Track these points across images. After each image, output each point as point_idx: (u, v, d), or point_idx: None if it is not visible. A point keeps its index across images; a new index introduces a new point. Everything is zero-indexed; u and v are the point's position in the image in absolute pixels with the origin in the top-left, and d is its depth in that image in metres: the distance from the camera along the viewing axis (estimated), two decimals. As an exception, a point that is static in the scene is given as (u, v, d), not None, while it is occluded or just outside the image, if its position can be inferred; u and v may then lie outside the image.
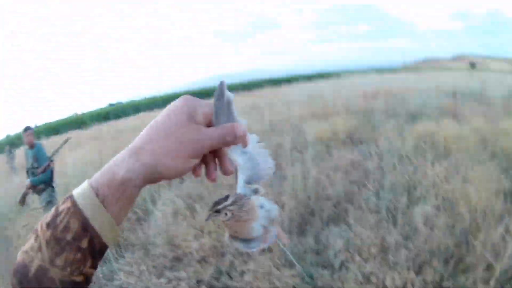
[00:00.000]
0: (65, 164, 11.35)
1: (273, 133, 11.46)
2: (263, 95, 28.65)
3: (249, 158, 0.89)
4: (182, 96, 0.78)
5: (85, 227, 0.67)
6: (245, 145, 0.84)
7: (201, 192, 7.74)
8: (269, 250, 5.19)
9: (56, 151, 7.04)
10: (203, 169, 0.84)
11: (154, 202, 7.66)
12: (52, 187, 6.94)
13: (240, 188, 0.88)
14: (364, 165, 7.61)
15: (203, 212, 6.54)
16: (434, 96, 15.24)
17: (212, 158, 0.83)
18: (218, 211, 0.83)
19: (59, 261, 0.65)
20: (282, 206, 6.02)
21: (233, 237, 0.89)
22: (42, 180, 6.83)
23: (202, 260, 5.51)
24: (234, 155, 0.85)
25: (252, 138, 0.89)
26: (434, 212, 5.22)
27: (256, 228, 0.86)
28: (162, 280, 5.25)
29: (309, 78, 44.76)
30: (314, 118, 12.70)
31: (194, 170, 0.80)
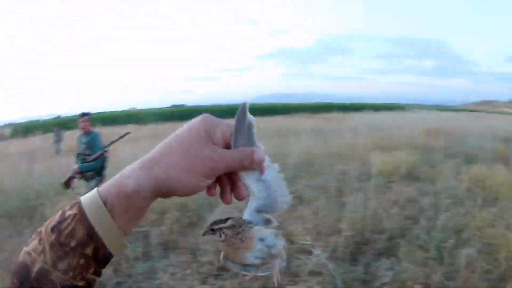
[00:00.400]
0: (118, 156, 11.31)
1: (339, 159, 11.27)
2: (330, 119, 28.07)
3: (265, 187, 0.87)
4: (202, 114, 0.77)
5: (91, 235, 0.67)
6: (262, 172, 0.83)
7: None
8: (319, 273, 5.11)
9: (113, 142, 6.95)
10: (218, 190, 0.83)
11: (210, 209, 7.54)
12: (102, 176, 6.89)
13: (248, 214, 0.88)
14: (420, 202, 7.43)
15: None
16: (489, 140, 14.75)
17: (227, 180, 0.82)
18: (213, 230, 0.85)
19: (61, 265, 0.66)
20: (338, 232, 6.01)
21: (227, 257, 0.89)
22: (92, 168, 6.74)
23: None
24: (249, 181, 0.83)
25: (272, 168, 0.89)
26: (476, 255, 5.14)
27: (248, 257, 0.86)
28: (206, 286, 5.24)
29: (375, 108, 44.08)
30: (379, 149, 12.48)
31: (209, 190, 0.79)
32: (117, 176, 0.71)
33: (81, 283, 0.67)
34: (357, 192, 7.65)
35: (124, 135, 6.96)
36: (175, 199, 7.99)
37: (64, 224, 0.67)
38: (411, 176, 9.66)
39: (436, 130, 17.12)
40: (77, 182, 7.08)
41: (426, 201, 7.30)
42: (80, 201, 0.70)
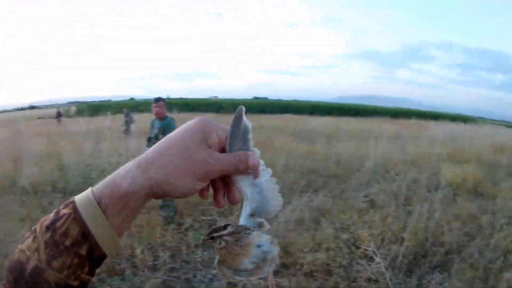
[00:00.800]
0: None
1: (412, 167, 10.97)
2: (409, 126, 27.66)
3: (258, 191, 0.84)
4: (198, 117, 0.75)
5: (85, 235, 0.65)
6: (256, 176, 0.81)
7: (331, 208, 7.49)
8: (376, 281, 5.04)
9: None
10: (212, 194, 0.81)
11: (285, 206, 7.07)
12: None
13: (244, 219, 0.86)
14: (479, 219, 7.14)
15: (327, 227, 6.32)
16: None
17: (221, 184, 0.80)
18: (213, 238, 0.83)
19: (55, 264, 0.64)
20: (401, 241, 5.88)
21: (222, 263, 0.85)
22: None
23: (309, 274, 5.31)
24: (243, 185, 0.81)
25: (265, 172, 0.85)
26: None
27: (245, 263, 0.83)
28: (263, 282, 5.04)
29: (451, 118, 42.80)
30: (450, 161, 12.09)
31: (202, 192, 0.76)
32: (112, 175, 0.70)
33: (75, 283, 0.66)
34: (424, 202, 7.43)
35: None
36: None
37: (59, 223, 0.66)
38: (475, 191, 9.32)
39: (503, 146, 16.41)
40: None
41: (485, 219, 7.03)
42: (74, 200, 0.69)
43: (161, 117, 6.68)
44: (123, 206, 0.67)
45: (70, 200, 0.69)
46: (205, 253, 5.82)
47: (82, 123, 17.01)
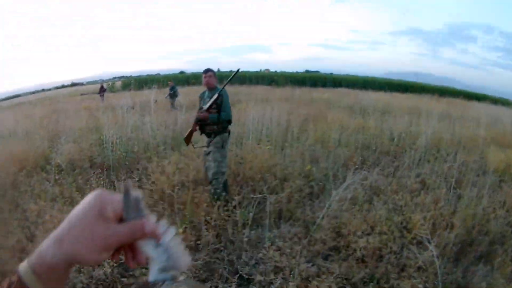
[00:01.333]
0: (247, 116, 10.86)
1: (461, 149, 10.47)
2: (456, 105, 26.40)
3: (164, 250, 0.82)
4: (94, 192, 0.77)
5: None
6: (157, 240, 0.80)
7: (385, 187, 7.14)
8: (425, 269, 4.62)
9: (225, 84, 6.20)
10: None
11: (335, 182, 6.86)
12: (226, 132, 6.25)
13: (154, 276, 0.82)
14: None
15: (380, 207, 5.94)
16: None
17: (127, 248, 0.81)
18: None
19: None
20: (451, 228, 5.47)
21: None
22: (210, 119, 6.05)
23: (360, 259, 4.86)
24: (146, 248, 0.80)
25: (168, 232, 0.83)
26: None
27: None
28: (311, 267, 4.58)
29: (494, 100, 41.33)
30: (495, 144, 11.47)
31: (113, 256, 0.79)
32: (39, 247, 0.74)
33: None
34: (473, 186, 7.04)
35: (235, 73, 6.40)
36: (297, 168, 7.76)
37: None
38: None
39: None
40: (200, 138, 6.88)
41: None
42: (19, 269, 0.73)
43: (210, 88, 6.39)
44: (51, 275, 0.72)
45: (16, 268, 0.74)
46: (253, 232, 5.49)
47: (127, 97, 16.43)
